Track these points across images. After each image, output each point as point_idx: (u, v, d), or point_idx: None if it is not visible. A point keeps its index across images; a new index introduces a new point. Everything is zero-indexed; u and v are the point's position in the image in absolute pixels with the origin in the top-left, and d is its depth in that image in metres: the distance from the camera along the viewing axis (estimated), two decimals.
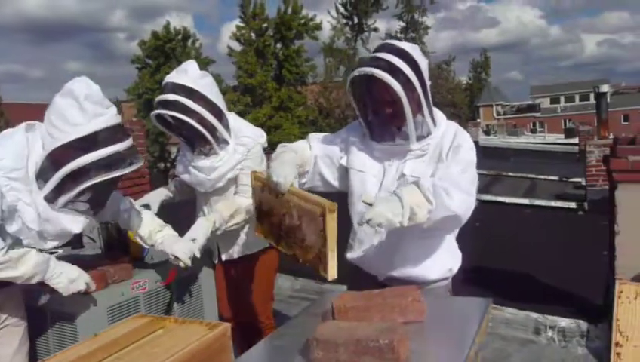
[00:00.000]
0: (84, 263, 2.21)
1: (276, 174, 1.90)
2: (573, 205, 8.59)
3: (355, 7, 25.94)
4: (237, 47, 25.95)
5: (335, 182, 2.17)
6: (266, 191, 2.04)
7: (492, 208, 8.01)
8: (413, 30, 27.02)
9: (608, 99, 12.94)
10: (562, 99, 60.50)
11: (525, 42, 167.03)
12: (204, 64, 25.04)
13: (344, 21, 26.16)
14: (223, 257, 2.82)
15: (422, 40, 26.29)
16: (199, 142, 2.57)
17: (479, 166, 2.00)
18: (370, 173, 2.06)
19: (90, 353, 1.55)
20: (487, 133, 29.90)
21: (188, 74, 2.51)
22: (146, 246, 2.49)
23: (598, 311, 3.80)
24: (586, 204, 8.43)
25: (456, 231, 2.13)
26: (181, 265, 2.34)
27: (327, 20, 26.17)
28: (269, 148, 2.68)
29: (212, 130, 2.51)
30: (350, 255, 2.15)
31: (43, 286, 2.08)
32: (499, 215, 7.74)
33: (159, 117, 2.55)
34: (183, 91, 2.45)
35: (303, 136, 2.32)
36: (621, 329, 2.28)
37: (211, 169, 2.60)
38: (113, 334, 1.68)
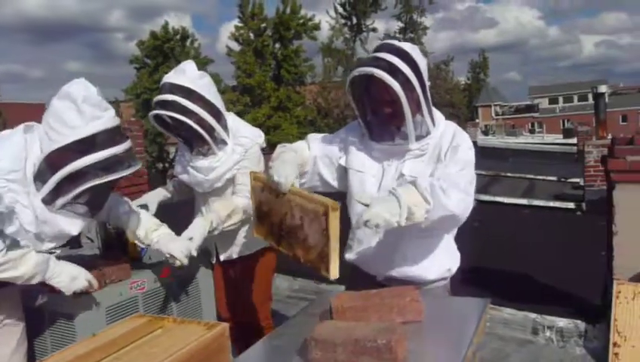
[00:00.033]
0: (83, 263, 2.20)
1: (277, 174, 1.89)
2: (571, 205, 8.60)
3: (353, 8, 25.96)
4: (236, 47, 26.00)
5: (334, 182, 2.17)
6: (266, 191, 2.04)
7: (490, 208, 8.02)
8: (412, 30, 27.04)
9: (606, 100, 12.96)
10: (561, 99, 60.58)
11: (524, 43, 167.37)
12: (203, 64, 25.07)
13: (343, 21, 26.21)
14: (222, 257, 2.82)
15: (420, 40, 26.33)
16: (197, 142, 2.57)
17: (478, 166, 2.01)
18: (369, 173, 2.06)
19: (88, 353, 1.54)
20: (485, 133, 29.92)
21: (186, 74, 2.51)
22: (142, 246, 2.48)
23: (596, 312, 3.81)
24: (584, 205, 8.44)
25: (455, 231, 2.14)
26: (177, 263, 2.33)
27: (325, 20, 26.23)
28: (268, 149, 2.68)
29: (210, 130, 2.51)
30: (349, 255, 2.15)
31: (44, 287, 2.08)
32: (497, 215, 7.75)
33: (157, 117, 2.55)
34: (181, 92, 2.45)
35: (301, 136, 2.32)
36: (619, 329, 2.28)
37: (209, 169, 2.60)
38: (111, 334, 1.67)
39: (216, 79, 23.96)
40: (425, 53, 2.02)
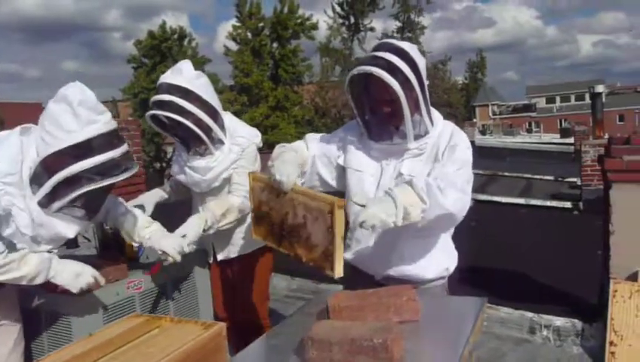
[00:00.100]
0: None
1: (279, 173, 1.89)
2: (568, 205, 8.61)
3: (351, 7, 25.97)
4: (233, 46, 25.95)
5: (333, 182, 2.17)
6: (266, 191, 2.03)
7: (488, 208, 8.03)
8: (410, 30, 27.06)
9: (604, 100, 13.01)
10: (558, 99, 60.67)
11: (521, 42, 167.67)
12: (201, 63, 25.02)
13: (340, 21, 26.22)
14: (219, 257, 2.81)
15: (418, 40, 26.34)
16: (194, 142, 2.57)
17: (475, 166, 2.01)
18: (367, 173, 2.06)
19: (84, 352, 1.54)
20: (483, 132, 29.94)
21: (183, 74, 2.50)
22: (134, 244, 2.48)
23: (593, 311, 3.81)
24: (581, 204, 8.45)
25: (452, 231, 2.14)
26: (170, 260, 2.33)
27: (323, 20, 26.22)
28: (266, 148, 2.68)
29: (207, 130, 2.51)
30: (347, 254, 2.15)
31: (50, 287, 2.07)
32: (495, 215, 7.76)
33: (154, 117, 2.54)
34: (179, 92, 2.44)
35: (299, 135, 2.33)
36: (616, 328, 2.29)
37: (207, 169, 2.60)
38: (108, 334, 1.67)
39: (214, 79, 23.93)
40: (423, 53, 2.02)
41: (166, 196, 2.89)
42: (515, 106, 61.87)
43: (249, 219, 2.47)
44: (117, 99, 28.14)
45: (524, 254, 5.63)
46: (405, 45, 1.95)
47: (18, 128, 1.97)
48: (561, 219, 7.92)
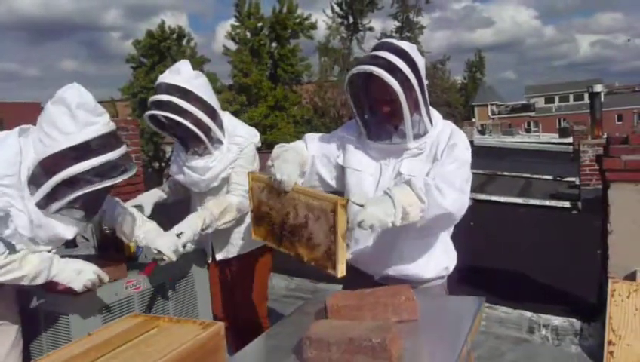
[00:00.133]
0: None
1: (280, 172, 1.89)
2: (567, 204, 8.63)
3: (350, 7, 25.90)
4: (232, 46, 25.92)
5: (332, 182, 2.17)
6: (266, 191, 2.03)
7: (487, 207, 8.05)
8: (409, 30, 27.00)
9: (602, 99, 13.01)
10: (556, 98, 60.68)
11: (520, 42, 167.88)
12: (200, 63, 24.98)
13: (339, 20, 26.12)
14: (218, 257, 2.81)
15: (417, 40, 26.23)
16: (193, 142, 2.57)
17: (474, 165, 2.01)
18: (366, 172, 2.06)
19: (83, 352, 1.54)
20: (482, 132, 29.92)
21: (181, 74, 2.50)
22: (128, 243, 2.47)
23: (591, 310, 3.82)
24: (579, 204, 8.47)
25: (452, 230, 2.14)
26: (165, 259, 2.32)
27: (322, 20, 26.13)
28: (265, 148, 2.68)
29: (206, 130, 2.51)
30: (346, 254, 2.15)
31: (47, 287, 2.07)
32: (493, 214, 7.77)
33: (153, 117, 2.54)
34: (177, 92, 2.44)
35: (298, 135, 2.33)
36: (614, 327, 2.29)
37: (205, 169, 2.60)
38: (107, 333, 1.67)
39: (213, 78, 23.93)
40: (422, 53, 2.02)
41: (165, 196, 2.89)
42: (514, 106, 61.86)
43: (248, 219, 2.47)
44: (116, 99, 28.07)
45: (523, 254, 5.64)
46: (405, 45, 1.95)
47: (16, 129, 1.97)
48: (559, 219, 7.93)
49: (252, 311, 2.86)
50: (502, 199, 8.99)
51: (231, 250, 2.79)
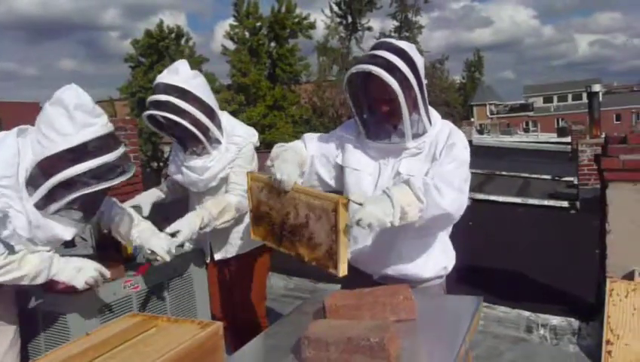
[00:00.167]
0: None
1: (280, 172, 1.89)
2: (565, 204, 8.64)
3: (349, 7, 25.89)
4: (231, 45, 25.89)
5: (331, 181, 2.17)
6: (265, 191, 2.02)
7: (485, 207, 8.05)
8: (407, 29, 26.99)
9: (600, 99, 13.02)
10: (555, 98, 60.74)
11: (518, 42, 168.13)
12: (198, 62, 24.98)
13: (338, 20, 26.12)
14: (216, 257, 2.81)
15: (416, 39, 26.23)
16: (191, 142, 2.57)
17: (473, 165, 2.01)
18: (365, 172, 2.06)
19: (81, 352, 1.54)
20: (480, 132, 29.98)
21: (179, 74, 2.49)
22: (125, 244, 2.46)
23: (589, 310, 3.82)
24: (578, 203, 8.47)
25: (450, 230, 2.14)
26: (158, 259, 2.30)
27: (321, 19, 26.13)
28: (263, 147, 2.67)
29: (205, 130, 2.50)
30: None
31: (47, 287, 2.06)
32: (492, 214, 7.78)
33: (151, 117, 2.54)
34: (175, 92, 2.44)
35: (296, 134, 2.33)
36: (612, 327, 2.29)
37: (204, 169, 2.60)
38: (105, 333, 1.67)
39: (211, 78, 23.92)
40: (420, 52, 2.02)
41: (163, 196, 2.89)
42: (513, 106, 61.89)
43: (247, 219, 2.47)
44: (114, 99, 28.05)
45: (522, 253, 5.64)
46: (404, 44, 1.95)
47: (15, 130, 1.96)
48: (558, 219, 7.94)
49: (251, 310, 2.86)
50: (500, 199, 9.00)
51: (229, 249, 2.79)
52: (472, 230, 5.09)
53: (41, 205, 1.90)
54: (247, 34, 25.66)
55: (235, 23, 25.76)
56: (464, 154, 1.98)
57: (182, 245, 2.61)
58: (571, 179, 10.62)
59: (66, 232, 2.01)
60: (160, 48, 25.33)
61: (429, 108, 2.00)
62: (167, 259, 2.31)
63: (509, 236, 6.60)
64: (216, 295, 2.88)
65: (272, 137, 22.13)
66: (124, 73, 27.81)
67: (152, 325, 1.71)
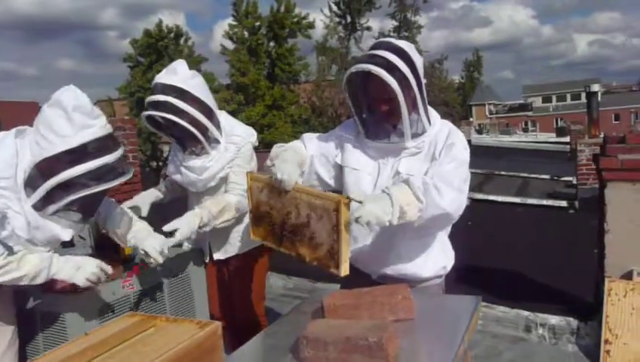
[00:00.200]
0: None
1: (281, 172, 1.89)
2: (564, 204, 8.65)
3: (348, 6, 25.89)
4: (230, 45, 25.93)
5: (331, 181, 2.17)
6: (265, 191, 2.02)
7: (484, 207, 8.06)
8: (406, 29, 26.98)
9: (599, 99, 13.04)
10: (554, 98, 60.77)
11: (517, 42, 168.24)
12: (197, 62, 24.99)
13: (337, 20, 26.12)
14: (215, 256, 2.81)
15: (415, 39, 26.24)
16: (190, 142, 2.56)
17: (472, 165, 2.01)
18: (364, 171, 2.06)
19: (80, 352, 1.54)
20: (479, 132, 30.02)
21: (178, 74, 2.49)
22: (121, 244, 2.46)
23: (588, 309, 3.83)
24: (576, 203, 8.49)
25: (449, 229, 2.14)
26: (151, 261, 2.28)
27: (320, 19, 26.14)
28: (262, 147, 2.67)
29: (203, 130, 2.50)
30: None
31: (47, 287, 2.06)
32: (491, 213, 7.79)
33: (150, 118, 2.53)
34: (174, 92, 2.43)
35: (295, 134, 2.33)
36: (610, 326, 2.29)
37: (203, 169, 2.60)
38: (104, 333, 1.66)
39: (210, 78, 23.92)
40: (419, 52, 2.02)
41: (161, 196, 2.88)
42: (512, 105, 61.94)
43: (246, 219, 2.46)
44: (113, 98, 28.06)
45: (520, 253, 5.65)
46: (403, 44, 1.95)
47: (13, 130, 1.96)
48: (556, 218, 7.95)
49: (250, 310, 2.86)
50: (499, 198, 9.01)
51: (229, 249, 2.79)
52: (471, 230, 5.10)
53: (40, 206, 1.90)
54: (246, 33, 25.68)
55: (234, 23, 25.79)
56: (463, 154, 1.98)
57: (180, 245, 2.61)
58: (570, 178, 10.64)
59: (65, 233, 2.01)
60: (159, 48, 25.34)
61: (429, 107, 2.00)
62: (160, 260, 2.28)
63: (508, 236, 6.60)
64: (215, 295, 2.88)
65: (271, 137, 22.15)
66: (123, 73, 27.85)
67: (150, 325, 1.71)
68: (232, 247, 2.78)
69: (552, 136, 25.48)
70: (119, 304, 2.33)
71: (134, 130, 5.28)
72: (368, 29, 26.31)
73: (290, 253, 1.94)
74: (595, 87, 13.08)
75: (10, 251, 1.88)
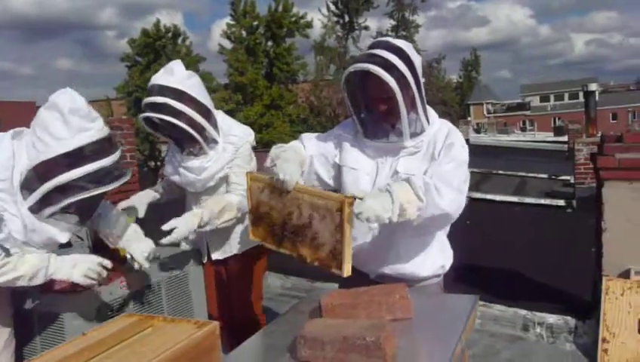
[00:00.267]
0: None
1: (283, 172, 1.88)
2: (561, 203, 8.65)
3: (346, 6, 25.92)
4: (228, 44, 25.95)
5: (330, 181, 2.16)
6: (265, 191, 2.01)
7: (482, 206, 8.06)
8: (404, 28, 27.01)
9: (597, 98, 13.07)
10: (552, 97, 60.84)
11: (515, 41, 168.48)
12: (195, 62, 25.00)
13: (335, 19, 26.15)
14: (213, 256, 2.81)
15: (413, 38, 26.27)
16: (188, 142, 2.56)
17: (470, 164, 2.01)
18: (363, 171, 2.06)
19: (77, 352, 1.53)
20: (477, 131, 30.04)
21: (174, 75, 2.48)
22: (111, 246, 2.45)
23: (585, 308, 3.83)
24: (574, 202, 8.49)
25: (448, 229, 2.14)
26: (135, 265, 2.24)
27: (318, 18, 26.18)
28: (260, 147, 2.67)
29: (201, 130, 2.49)
30: None
31: (46, 287, 2.05)
32: (489, 213, 7.78)
33: (147, 119, 2.53)
34: (171, 93, 2.42)
35: (294, 134, 2.33)
36: (608, 325, 2.30)
37: (201, 169, 2.59)
38: (101, 333, 1.66)
39: (209, 77, 23.93)
40: (417, 51, 2.02)
41: (158, 196, 2.87)
42: (510, 105, 62.02)
43: (246, 219, 2.46)
44: (111, 98, 28.05)
45: (518, 252, 5.65)
46: (401, 43, 1.95)
47: (10, 132, 1.95)
48: (554, 217, 7.95)
49: (247, 310, 2.86)
50: (497, 197, 9.01)
51: (227, 249, 2.79)
52: (470, 229, 5.10)
53: (36, 209, 1.89)
54: (244, 33, 25.69)
55: (232, 22, 25.80)
56: (463, 154, 1.98)
57: (178, 244, 2.61)
58: (568, 177, 10.63)
59: (62, 235, 2.00)
60: (157, 47, 25.34)
61: (427, 107, 2.00)
62: (146, 265, 2.25)
63: (506, 235, 6.61)
64: (213, 294, 2.88)
65: (270, 136, 22.16)
66: (121, 72, 27.81)
67: (148, 325, 1.71)
68: (230, 247, 2.78)
69: (549, 136, 25.50)
70: (117, 304, 2.32)
71: (132, 129, 5.27)
72: (366, 28, 26.37)
73: (291, 253, 1.93)
74: (593, 87, 13.11)
75: (7, 253, 1.88)
